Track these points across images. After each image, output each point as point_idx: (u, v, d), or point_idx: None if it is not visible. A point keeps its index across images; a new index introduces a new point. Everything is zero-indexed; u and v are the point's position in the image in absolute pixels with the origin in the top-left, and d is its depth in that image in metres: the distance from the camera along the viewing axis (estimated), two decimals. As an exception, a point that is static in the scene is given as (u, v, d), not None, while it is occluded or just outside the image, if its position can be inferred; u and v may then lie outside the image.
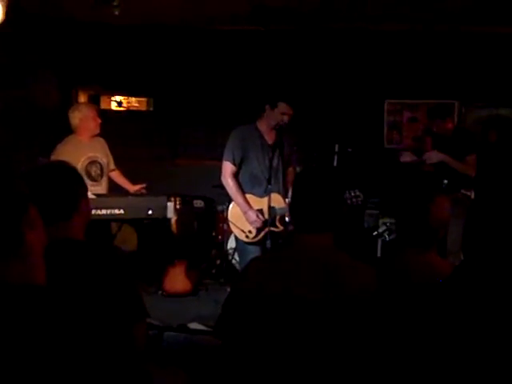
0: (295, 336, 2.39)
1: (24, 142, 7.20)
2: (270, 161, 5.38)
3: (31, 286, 1.62)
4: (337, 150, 7.63)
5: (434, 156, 6.17)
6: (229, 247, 7.62)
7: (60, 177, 2.54)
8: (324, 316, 2.37)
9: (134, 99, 9.00)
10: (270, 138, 5.50)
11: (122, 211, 5.83)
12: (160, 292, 6.97)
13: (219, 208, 7.88)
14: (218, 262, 7.87)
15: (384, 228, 6.62)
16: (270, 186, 5.32)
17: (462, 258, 2.58)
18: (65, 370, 1.50)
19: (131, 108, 9.02)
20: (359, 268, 2.48)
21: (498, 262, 2.41)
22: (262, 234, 5.41)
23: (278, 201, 5.42)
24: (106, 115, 6.51)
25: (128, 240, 6.96)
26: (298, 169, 5.91)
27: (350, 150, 7.72)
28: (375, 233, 6.72)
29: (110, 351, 1.72)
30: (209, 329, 4.81)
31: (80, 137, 6.20)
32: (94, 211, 5.57)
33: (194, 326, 5.19)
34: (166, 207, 6.04)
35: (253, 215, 5.38)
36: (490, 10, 6.96)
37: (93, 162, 6.23)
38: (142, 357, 2.47)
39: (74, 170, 2.64)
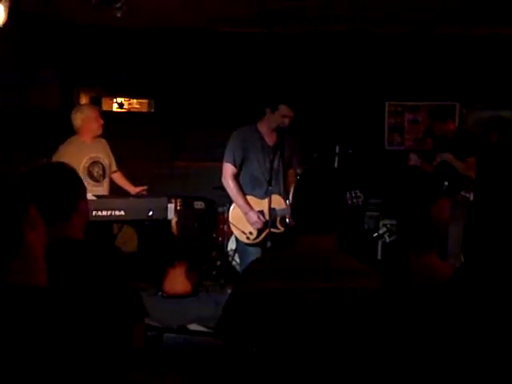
0: (297, 337, 2.38)
1: (25, 143, 7.20)
2: (271, 162, 5.38)
3: (32, 286, 1.62)
4: (338, 151, 7.63)
5: (439, 156, 6.18)
6: (229, 248, 7.62)
7: (59, 177, 2.54)
8: (326, 317, 2.37)
9: (135, 101, 9.01)
10: (270, 140, 5.50)
11: (122, 212, 5.84)
12: (160, 293, 6.97)
13: (220, 209, 7.89)
14: (219, 263, 7.87)
15: (384, 229, 6.60)
16: (270, 188, 5.32)
17: (463, 259, 2.58)
18: (63, 368, 1.50)
19: (132, 110, 9.03)
20: (362, 270, 2.48)
21: (498, 263, 2.41)
22: (263, 235, 5.41)
23: (279, 202, 5.42)
24: (108, 117, 6.51)
25: (128, 241, 6.96)
26: (298, 170, 5.92)
27: (350, 151, 7.72)
28: (375, 234, 6.71)
29: (108, 350, 1.73)
30: (209, 330, 4.81)
31: (82, 138, 6.22)
32: (94, 212, 5.59)
33: (193, 327, 5.19)
34: (166, 208, 6.04)
35: (254, 216, 5.38)
36: (490, 11, 6.96)
37: (95, 163, 6.25)
38: (140, 357, 2.46)
39: (72, 170, 2.64)
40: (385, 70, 8.45)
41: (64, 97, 8.46)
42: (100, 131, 6.29)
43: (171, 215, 6.17)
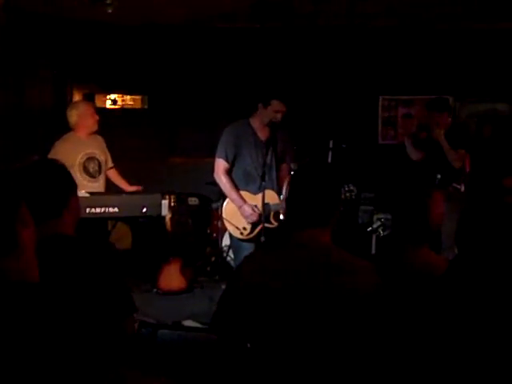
0: (293, 332, 2.38)
1: (19, 139, 7.19)
2: (264, 157, 5.38)
3: (24, 282, 1.62)
4: (331, 146, 7.63)
5: (437, 133, 6.15)
6: (224, 244, 7.61)
7: (49, 174, 2.55)
8: (322, 312, 2.37)
9: (128, 97, 8.99)
10: (263, 135, 5.49)
11: (116, 209, 5.83)
12: (155, 290, 6.97)
13: (214, 205, 7.89)
14: (213, 259, 7.87)
15: (378, 224, 6.60)
16: (264, 183, 5.32)
17: (456, 252, 2.59)
18: (54, 362, 1.51)
19: (126, 106, 9.01)
20: (358, 264, 2.48)
21: (492, 255, 2.42)
22: (257, 230, 5.41)
23: (272, 197, 5.42)
24: (101, 113, 6.50)
25: (123, 238, 6.96)
26: (292, 165, 5.91)
27: (344, 146, 7.72)
28: (369, 228, 6.71)
29: (97, 345, 1.73)
30: (203, 326, 4.81)
31: (78, 134, 6.23)
32: (88, 209, 5.58)
33: (188, 323, 5.20)
34: (160, 205, 6.04)
35: (248, 209, 5.38)
36: (485, 5, 6.97)
37: (91, 159, 6.25)
38: (128, 352, 2.47)
39: (63, 167, 2.64)
40: (378, 64, 8.45)
41: (57, 94, 8.44)
42: (96, 127, 6.30)
43: (165, 211, 6.17)
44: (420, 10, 7.26)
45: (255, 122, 5.50)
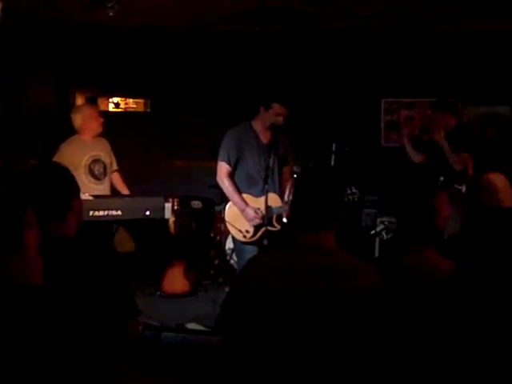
0: (296, 335, 2.39)
1: (20, 143, 7.20)
2: (266, 160, 5.39)
3: (28, 285, 1.63)
4: (334, 149, 7.63)
5: (438, 136, 6.13)
6: (227, 248, 7.61)
7: (53, 177, 2.56)
8: (325, 314, 2.37)
9: (131, 100, 9.00)
10: (265, 138, 5.50)
11: (119, 212, 5.83)
12: (158, 293, 6.98)
13: (217, 208, 7.88)
14: (217, 262, 7.87)
15: (382, 227, 6.61)
16: (267, 186, 5.33)
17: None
18: (56, 363, 1.51)
19: (128, 109, 9.02)
20: (361, 267, 2.48)
21: (496, 258, 2.42)
22: (260, 233, 5.42)
23: (275, 200, 5.43)
24: (104, 117, 6.52)
25: (123, 242, 6.96)
26: (295, 168, 5.92)
27: (347, 149, 7.71)
28: (373, 232, 6.72)
29: (99, 347, 1.74)
30: (207, 329, 4.82)
31: (83, 137, 6.28)
32: (91, 212, 5.59)
33: (191, 326, 5.21)
34: (163, 208, 6.04)
35: (251, 212, 5.38)
36: (487, 7, 6.96)
37: (96, 161, 6.30)
38: (132, 354, 2.48)
39: (66, 170, 2.65)
40: (380, 66, 8.45)
41: (60, 97, 8.46)
42: (100, 129, 6.36)
43: (168, 214, 6.18)
44: (421, 11, 7.25)
45: (257, 125, 5.50)
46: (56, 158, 5.91)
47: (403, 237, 3.21)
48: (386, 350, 2.40)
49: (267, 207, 5.33)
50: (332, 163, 7.53)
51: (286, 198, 5.49)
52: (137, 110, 9.04)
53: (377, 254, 6.85)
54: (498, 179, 4.16)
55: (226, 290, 3.25)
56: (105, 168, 6.37)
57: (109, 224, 6.07)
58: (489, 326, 2.34)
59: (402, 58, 8.42)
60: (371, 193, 7.53)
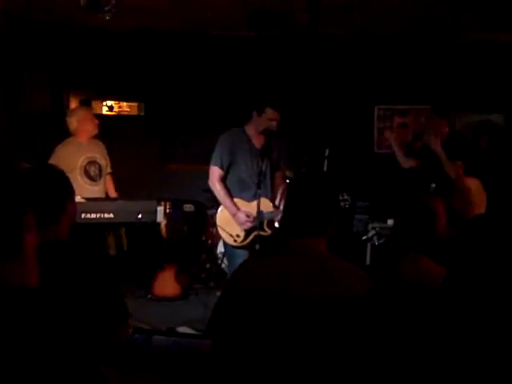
0: (287, 338, 2.39)
1: (15, 146, 7.19)
2: (259, 165, 5.40)
3: (24, 289, 1.64)
4: (327, 154, 7.64)
5: (434, 143, 6.10)
6: (219, 251, 7.61)
7: (47, 180, 2.56)
8: (317, 319, 2.37)
9: (125, 104, 9.00)
10: (258, 143, 5.51)
11: (111, 215, 5.84)
12: (149, 296, 6.98)
13: (209, 212, 7.88)
14: (208, 266, 7.87)
15: (373, 232, 6.62)
16: (259, 191, 5.33)
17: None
18: (48, 362, 1.52)
19: (122, 113, 9.02)
20: (353, 273, 2.49)
21: (488, 266, 2.44)
22: (250, 237, 5.42)
23: (267, 205, 5.44)
24: (97, 119, 6.53)
25: (117, 244, 6.96)
26: (288, 173, 5.93)
27: (340, 154, 7.73)
28: (364, 237, 6.73)
29: (89, 349, 1.75)
30: (198, 333, 4.82)
31: (79, 139, 6.32)
32: (83, 215, 5.59)
33: (182, 329, 5.21)
34: (155, 211, 6.04)
35: (242, 216, 5.39)
36: (483, 18, 7.00)
37: (92, 163, 6.32)
38: (122, 356, 2.49)
39: (61, 172, 2.66)
40: (374, 73, 8.48)
41: (54, 100, 8.45)
42: (96, 131, 6.39)
43: (160, 218, 6.19)
44: (416, 21, 7.28)
45: (250, 130, 5.51)
46: (52, 160, 5.94)
47: (399, 242, 3.21)
48: (377, 355, 2.40)
49: (260, 212, 5.33)
50: (325, 169, 7.55)
51: (277, 202, 5.52)
52: (130, 113, 9.03)
53: (368, 260, 6.86)
54: (472, 183, 4.20)
55: (218, 293, 3.25)
56: (100, 170, 6.39)
57: (101, 227, 6.08)
58: (480, 332, 2.35)
59: (396, 66, 8.45)
60: (363, 199, 7.55)
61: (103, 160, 6.46)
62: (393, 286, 2.91)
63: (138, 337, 3.55)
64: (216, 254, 7.70)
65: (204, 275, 7.78)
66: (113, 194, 6.64)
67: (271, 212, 5.42)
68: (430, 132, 6.22)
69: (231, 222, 5.44)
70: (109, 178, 6.62)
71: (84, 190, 6.05)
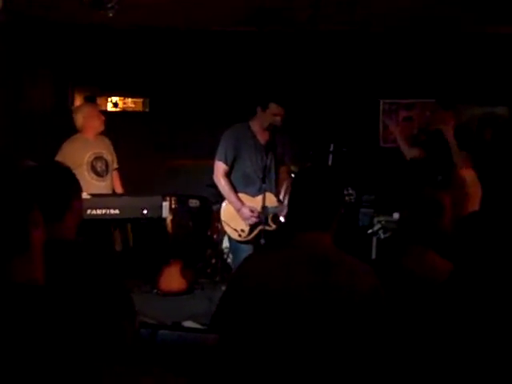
0: (293, 333, 2.39)
1: (19, 142, 7.21)
2: (264, 160, 5.40)
3: (30, 285, 1.64)
4: (332, 149, 7.64)
5: (446, 131, 6.05)
6: (224, 246, 7.61)
7: (53, 177, 2.56)
8: (322, 313, 2.38)
9: (129, 100, 9.01)
10: (262, 138, 5.51)
11: (117, 211, 5.85)
12: (155, 291, 6.99)
13: (215, 207, 7.88)
14: (214, 261, 7.88)
15: (379, 226, 6.62)
16: (264, 185, 5.34)
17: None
18: (54, 363, 1.53)
19: (127, 109, 9.03)
20: (359, 267, 2.49)
21: (494, 260, 2.43)
22: (255, 232, 5.43)
23: (271, 200, 5.44)
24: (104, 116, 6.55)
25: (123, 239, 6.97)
26: (293, 167, 5.93)
27: (345, 149, 7.72)
28: (370, 231, 6.72)
29: (96, 346, 1.75)
30: (203, 327, 4.82)
31: (86, 135, 6.34)
32: (89, 211, 5.61)
33: (188, 324, 5.21)
34: (161, 207, 6.05)
35: (247, 211, 5.39)
36: (485, 9, 6.97)
37: (98, 158, 6.35)
38: (129, 353, 2.49)
39: (67, 169, 2.66)
40: (378, 67, 8.47)
41: (58, 96, 8.47)
42: (102, 127, 6.42)
43: (166, 213, 6.20)
44: (420, 13, 7.26)
45: (255, 126, 5.51)
46: (58, 157, 5.98)
47: (404, 236, 3.19)
48: (382, 350, 2.40)
49: (264, 207, 5.34)
50: (330, 163, 7.54)
51: (281, 197, 5.52)
52: (135, 109, 9.05)
53: (374, 254, 6.86)
54: (467, 174, 4.21)
55: (223, 288, 3.26)
56: (107, 165, 6.42)
57: (107, 222, 6.09)
58: (487, 328, 2.35)
59: (401, 59, 8.43)
60: (368, 192, 7.55)
61: (110, 156, 6.49)
62: (398, 281, 2.91)
63: (144, 331, 3.56)
64: (221, 249, 7.71)
65: (209, 270, 7.79)
66: (119, 189, 6.65)
67: (276, 207, 5.43)
68: (436, 123, 6.18)
69: (236, 216, 5.45)
70: (115, 174, 6.64)
71: (91, 185, 6.07)
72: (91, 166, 6.26)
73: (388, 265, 3.12)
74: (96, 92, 8.80)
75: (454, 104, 6.43)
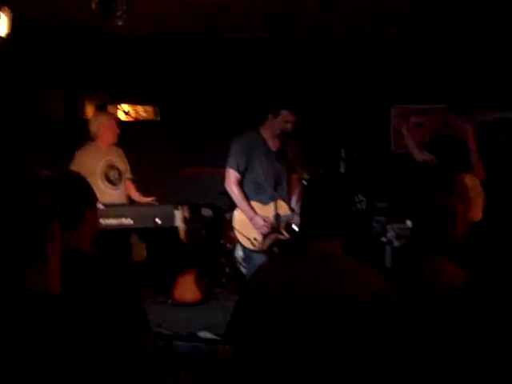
0: (306, 341, 2.39)
1: (30, 151, 7.21)
2: (275, 167, 5.38)
3: (48, 294, 1.64)
4: (343, 155, 7.62)
5: (468, 129, 6.00)
6: (237, 255, 7.59)
7: (66, 187, 2.55)
8: (336, 321, 2.37)
9: (141, 108, 9.02)
10: (273, 145, 5.50)
11: (130, 221, 5.86)
12: (169, 301, 6.97)
13: (227, 216, 7.87)
14: (227, 270, 7.85)
15: (392, 234, 6.57)
16: (275, 193, 5.32)
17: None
18: (68, 373, 1.52)
19: (138, 118, 9.04)
20: (370, 274, 2.49)
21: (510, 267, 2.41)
22: (268, 242, 5.40)
23: (283, 208, 5.42)
24: (119, 128, 6.56)
25: (137, 250, 6.97)
26: (304, 174, 5.91)
27: (356, 155, 7.70)
28: (383, 239, 6.68)
29: (111, 360, 1.74)
30: (219, 338, 4.80)
31: (99, 144, 6.38)
32: (102, 221, 5.62)
33: (203, 334, 5.19)
34: (173, 216, 6.06)
35: (259, 221, 5.37)
36: (496, 12, 6.95)
37: (111, 167, 6.38)
38: (152, 364, 2.47)
39: (82, 179, 2.65)
40: (389, 72, 8.45)
41: (68, 105, 8.48)
42: (115, 140, 6.44)
43: (178, 222, 6.20)
44: (432, 18, 7.24)
45: (266, 133, 5.49)
46: (72, 166, 6.00)
47: (419, 244, 3.17)
48: (394, 357, 2.39)
49: (276, 215, 5.32)
50: (341, 170, 7.52)
51: (293, 204, 5.51)
52: (147, 118, 9.06)
53: (388, 262, 6.82)
54: (469, 180, 4.22)
55: (238, 298, 3.25)
56: (120, 174, 6.45)
57: (123, 233, 6.10)
58: (503, 336, 2.32)
59: (412, 64, 8.40)
60: (381, 199, 7.51)
61: (122, 164, 6.51)
62: (413, 289, 2.88)
63: (159, 342, 3.55)
64: (235, 258, 7.68)
65: (224, 279, 7.76)
66: (137, 197, 6.64)
67: (288, 215, 5.41)
68: (453, 130, 6.15)
69: (248, 225, 5.43)
70: (129, 183, 6.64)
71: (105, 194, 6.08)
72: (104, 175, 6.28)
73: (402, 273, 3.10)
74: (107, 100, 8.82)
75: (469, 109, 6.39)
